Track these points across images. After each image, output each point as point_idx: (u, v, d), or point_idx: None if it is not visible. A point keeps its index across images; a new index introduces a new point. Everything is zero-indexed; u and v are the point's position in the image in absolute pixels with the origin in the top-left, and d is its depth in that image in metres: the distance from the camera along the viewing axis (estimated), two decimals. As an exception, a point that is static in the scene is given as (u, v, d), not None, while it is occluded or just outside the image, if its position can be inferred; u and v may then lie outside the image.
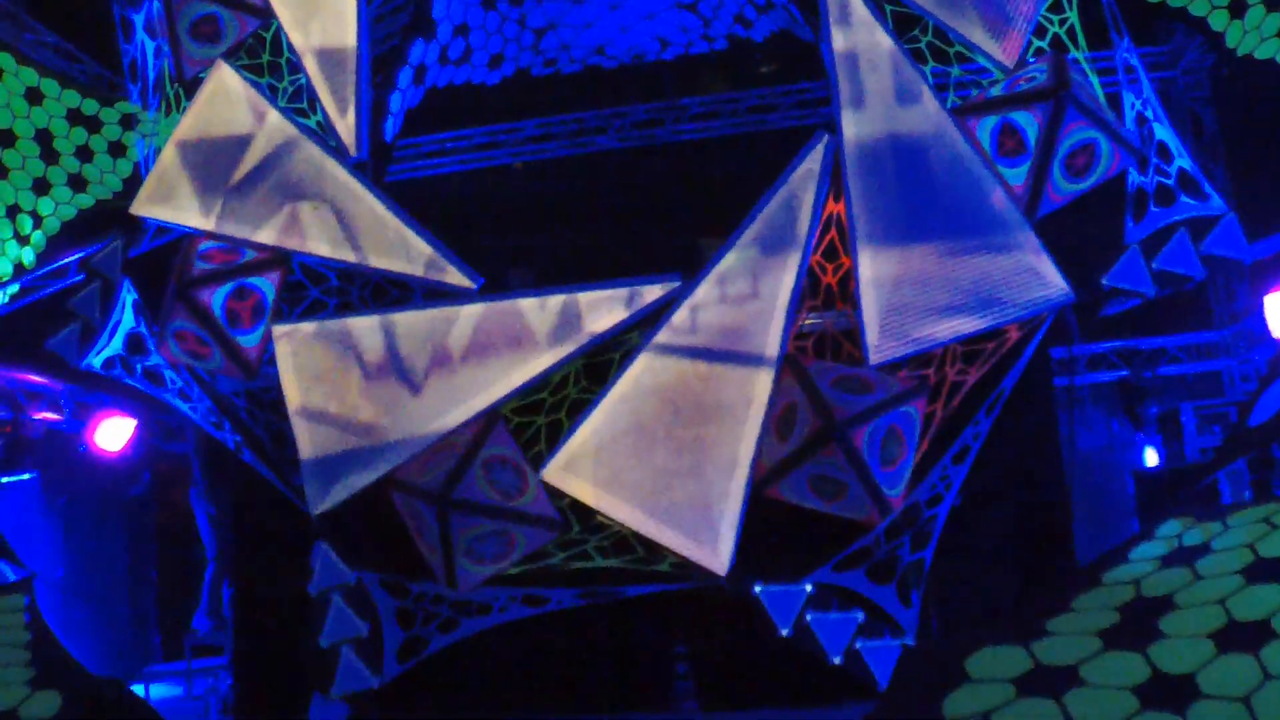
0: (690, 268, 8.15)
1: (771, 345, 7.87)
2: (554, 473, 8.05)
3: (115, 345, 9.66)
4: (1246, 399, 12.32)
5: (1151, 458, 12.63)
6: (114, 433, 13.17)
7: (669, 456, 7.90)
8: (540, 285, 9.67)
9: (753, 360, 7.88)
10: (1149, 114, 8.71)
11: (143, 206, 9.24)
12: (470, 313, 8.32)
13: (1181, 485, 10.21)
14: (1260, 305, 12.44)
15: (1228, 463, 9.44)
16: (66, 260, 12.46)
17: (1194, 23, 11.46)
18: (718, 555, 7.78)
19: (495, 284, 8.77)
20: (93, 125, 12.54)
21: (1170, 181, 8.63)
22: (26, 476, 13.32)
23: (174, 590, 14.15)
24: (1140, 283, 8.32)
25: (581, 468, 8.00)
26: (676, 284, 8.11)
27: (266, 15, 9.41)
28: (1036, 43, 8.37)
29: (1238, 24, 11.22)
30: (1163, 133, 8.73)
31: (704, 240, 9.77)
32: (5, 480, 13.11)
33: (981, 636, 7.92)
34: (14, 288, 12.57)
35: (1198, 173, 8.76)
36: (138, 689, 13.28)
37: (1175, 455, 12.39)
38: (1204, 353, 13.29)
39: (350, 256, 8.62)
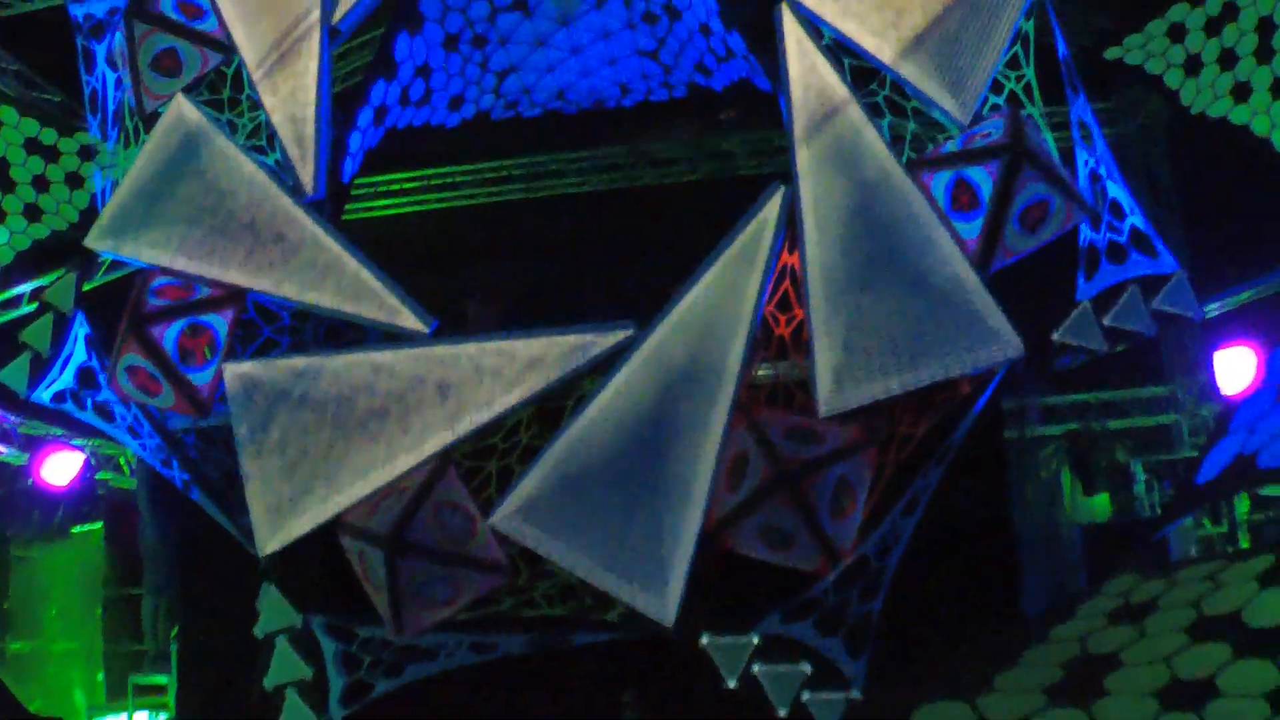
0: (645, 314, 8.17)
1: (724, 394, 7.87)
2: (503, 519, 7.99)
3: (66, 378, 9.60)
4: (1196, 453, 12.47)
5: (1100, 514, 12.69)
6: (61, 467, 13.04)
7: (619, 504, 7.87)
8: (497, 325, 9.70)
9: (705, 409, 7.87)
10: (1102, 171, 8.81)
11: (98, 240, 9.19)
12: (423, 355, 8.29)
13: (1130, 540, 10.29)
14: (1211, 360, 12.56)
15: (1176, 519, 9.55)
16: (19, 290, 12.39)
17: (1150, 80, 11.64)
18: (665, 605, 7.73)
19: (452, 324, 8.77)
20: (51, 155, 12.50)
21: (1122, 239, 8.72)
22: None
23: (119, 628, 13.98)
24: (1092, 338, 8.38)
25: (531, 514, 7.94)
26: (630, 332, 8.12)
27: (228, 51, 9.40)
28: (993, 99, 8.43)
29: (1192, 82, 11.42)
30: (1116, 190, 8.83)
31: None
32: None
33: (928, 691, 7.98)
34: (-35, 317, 12.48)
35: (1150, 230, 8.85)
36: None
37: (1124, 509, 12.46)
38: (1154, 407, 13.38)
39: (304, 296, 8.59)
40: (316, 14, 9.17)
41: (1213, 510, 11.29)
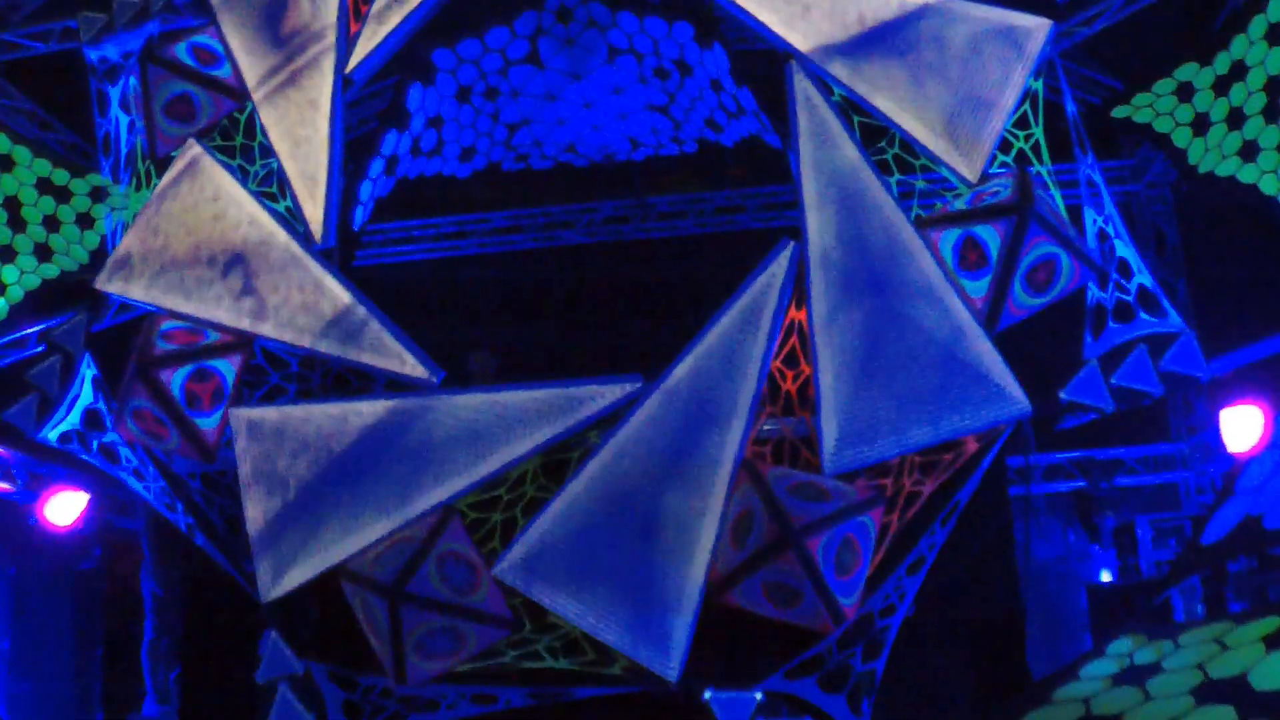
0: (652, 366, 8.19)
1: (729, 450, 7.88)
2: (507, 571, 8.00)
3: (72, 419, 9.59)
4: (1202, 512, 12.42)
5: (1105, 574, 12.64)
6: (65, 507, 13.03)
7: (623, 559, 7.86)
8: (502, 375, 9.72)
9: (710, 464, 7.89)
10: (1110, 230, 8.83)
11: (107, 282, 9.23)
12: (430, 405, 8.31)
13: (1135, 600, 10.24)
14: (1217, 419, 12.54)
15: (1181, 580, 9.50)
16: (28, 331, 12.41)
17: (1157, 139, 11.67)
18: (669, 660, 7.72)
19: (458, 373, 8.78)
20: (62, 195, 12.52)
21: (1130, 298, 8.72)
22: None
23: (120, 668, 13.92)
24: (1098, 398, 8.37)
25: (535, 567, 7.95)
26: (638, 385, 8.15)
27: (242, 98, 9.48)
28: (1001, 157, 8.46)
29: (1200, 141, 11.42)
30: (1124, 249, 8.84)
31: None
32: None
33: (931, 753, 7.94)
34: (-28, 355, 12.51)
35: (1157, 290, 8.85)
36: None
37: (1130, 568, 12.42)
38: (1161, 465, 13.37)
39: (312, 343, 8.63)
40: (330, 63, 9.27)
41: (1217, 571, 11.22)
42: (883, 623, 8.46)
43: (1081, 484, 12.93)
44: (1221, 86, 11.23)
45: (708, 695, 8.14)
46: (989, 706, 8.93)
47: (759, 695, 8.18)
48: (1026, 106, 8.49)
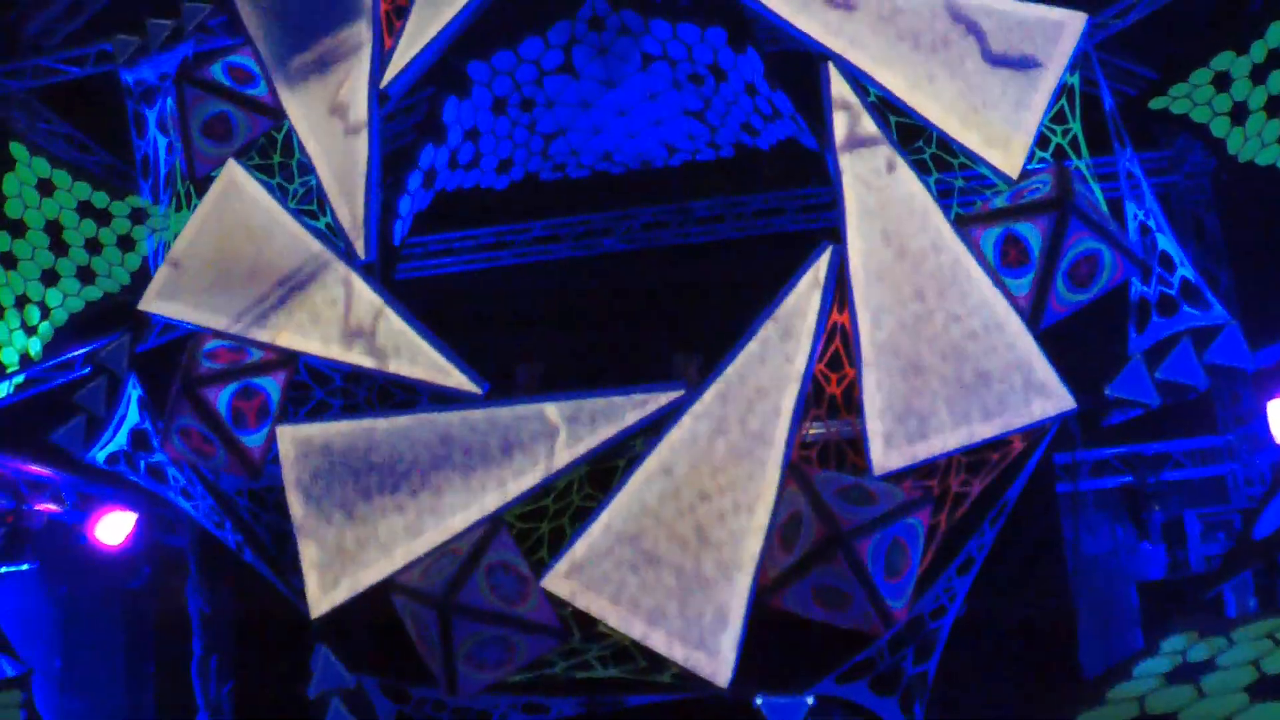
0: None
1: (776, 454, 7.88)
2: (556, 580, 8.01)
3: (119, 440, 9.66)
4: (1250, 504, 12.31)
5: (1155, 567, 12.53)
6: (115, 527, 13.12)
7: (671, 565, 7.87)
8: (547, 385, 9.73)
9: (757, 469, 7.89)
10: (1151, 224, 8.76)
11: (151, 303, 9.31)
12: (475, 418, 8.34)
13: (1186, 596, 10.16)
14: (1264, 410, 12.42)
15: (1232, 575, 9.42)
16: (74, 354, 12.52)
17: (1195, 129, 11.60)
18: (720, 666, 7.73)
19: (502, 384, 8.81)
20: (103, 218, 12.68)
21: (1173, 291, 8.65)
22: (26, 567, 13.25)
23: (170, 685, 14.00)
24: (1144, 393, 8.31)
25: (584, 576, 7.96)
26: (683, 391, 8.15)
27: (278, 116, 9.54)
28: (1039, 153, 8.42)
29: (1239, 131, 11.36)
30: (1165, 242, 8.77)
31: (678, 356, 9.83)
32: (5, 570, 13.05)
33: (986, 755, 7.90)
34: (20, 378, 12.61)
35: (1200, 282, 8.78)
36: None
37: (1179, 563, 12.32)
38: (1208, 458, 13.23)
39: (356, 359, 8.67)
40: (365, 79, 9.31)
41: (1270, 566, 11.12)
42: (934, 624, 8.43)
43: (1128, 479, 12.83)
44: (1259, 75, 11.17)
45: (759, 700, 8.14)
46: (1042, 706, 8.87)
47: (810, 700, 8.17)
48: (1063, 101, 8.44)
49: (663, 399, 8.15)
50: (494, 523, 8.21)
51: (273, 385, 8.86)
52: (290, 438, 8.64)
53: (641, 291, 13.32)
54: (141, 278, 10.78)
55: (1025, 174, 8.25)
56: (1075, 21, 8.37)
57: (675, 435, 8.06)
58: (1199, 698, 7.71)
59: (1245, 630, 8.23)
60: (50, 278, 12.56)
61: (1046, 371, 7.85)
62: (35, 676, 10.72)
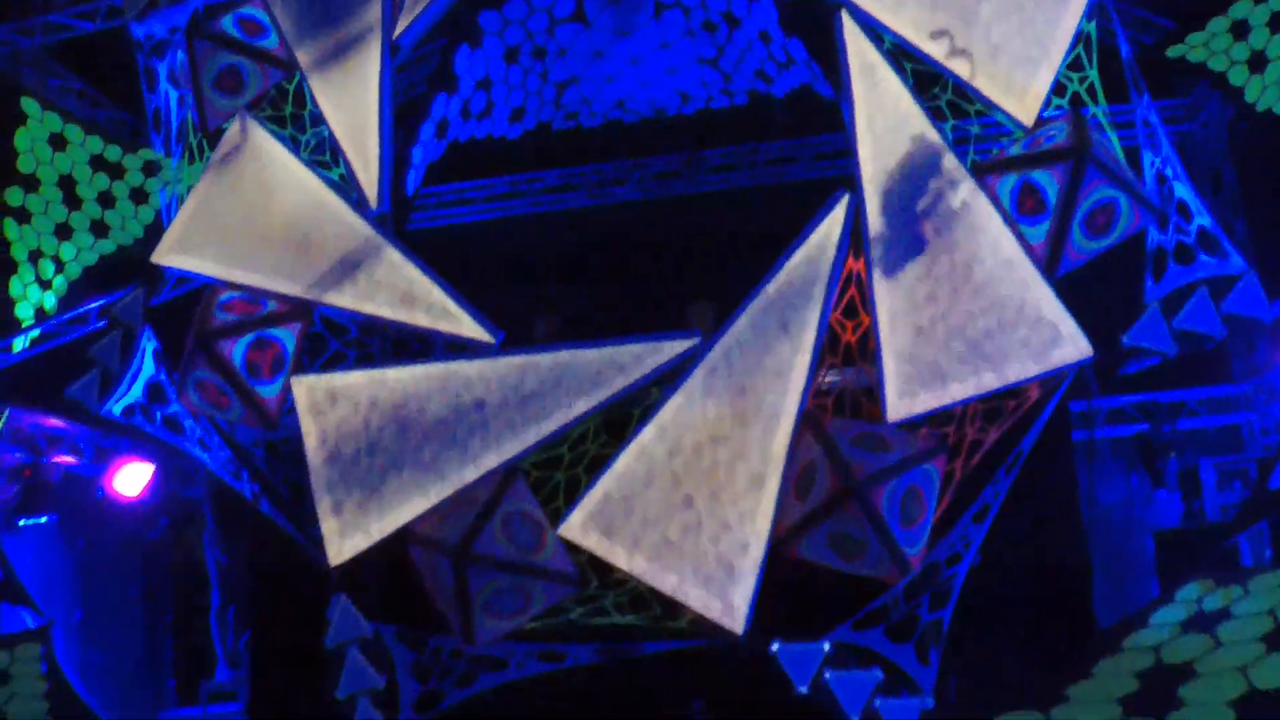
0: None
1: (791, 403, 7.87)
2: (572, 528, 8.02)
3: (135, 393, 9.69)
4: (1266, 454, 12.30)
5: (1171, 515, 12.52)
6: (132, 478, 13.19)
7: (687, 514, 7.89)
8: (563, 335, 9.73)
9: (772, 418, 7.87)
10: (1169, 172, 8.71)
11: (164, 256, 9.30)
12: (488, 367, 8.35)
13: (1201, 546, 10.16)
14: (1279, 359, 12.39)
15: (1248, 525, 9.42)
16: (88, 307, 12.55)
17: (1213, 78, 11.52)
18: (735, 613, 7.75)
19: (517, 335, 8.80)
20: (116, 172, 12.68)
21: (1190, 240, 8.61)
22: (44, 520, 13.34)
23: (189, 635, 14.12)
24: (1161, 342, 8.28)
25: (600, 524, 7.97)
26: (697, 340, 8.14)
27: (290, 68, 9.50)
28: (1056, 100, 8.36)
29: (1257, 79, 11.28)
30: (1182, 191, 8.72)
31: (692, 306, 9.82)
32: (24, 523, 13.14)
33: (1001, 702, 7.90)
34: (35, 332, 12.65)
35: (1218, 230, 8.74)
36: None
37: (1195, 512, 12.32)
38: (1223, 407, 13.18)
39: (371, 309, 8.67)
40: (377, 29, 9.26)
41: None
42: (949, 571, 8.44)
43: (1144, 427, 12.80)
44: (1277, 23, 11.08)
45: (775, 647, 8.17)
46: (1057, 654, 8.89)
47: (826, 646, 8.20)
48: (1080, 48, 8.37)
49: (678, 347, 8.13)
50: (510, 471, 8.23)
51: (288, 336, 8.86)
52: (306, 388, 8.65)
53: (655, 240, 13.28)
54: (155, 231, 10.81)
55: (1041, 121, 8.18)
56: (1091, -33, 8.29)
57: (690, 384, 8.04)
58: (1215, 647, 7.74)
59: (1261, 580, 8.26)
60: (64, 232, 12.58)
61: (1063, 319, 7.81)
62: (55, 628, 10.81)
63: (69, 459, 13.17)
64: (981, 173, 8.09)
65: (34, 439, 12.84)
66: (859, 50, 8.35)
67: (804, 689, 8.15)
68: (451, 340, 8.56)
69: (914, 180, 8.11)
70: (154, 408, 9.74)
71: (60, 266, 12.61)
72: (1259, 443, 12.87)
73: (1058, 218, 7.86)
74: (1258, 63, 11.22)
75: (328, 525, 8.46)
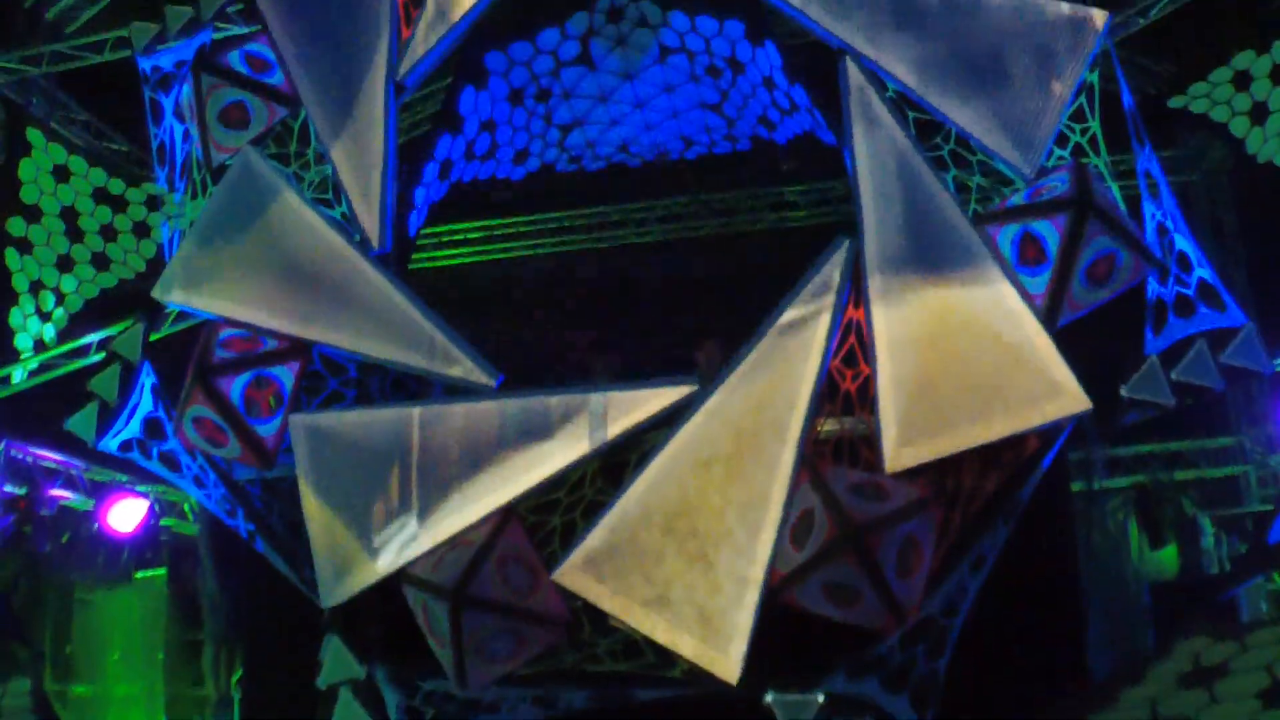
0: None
1: (789, 450, 7.83)
2: (567, 574, 7.98)
3: (133, 428, 9.66)
4: (1264, 505, 12.28)
5: (1168, 567, 12.48)
6: (127, 514, 13.15)
7: (683, 561, 7.84)
8: (563, 379, 9.71)
9: (770, 465, 7.84)
10: (1169, 224, 8.73)
11: (165, 291, 9.28)
12: (488, 409, 8.33)
13: (1198, 597, 10.13)
14: (1278, 411, 12.39)
15: (1246, 579, 9.40)
16: (87, 340, 12.55)
17: (1215, 128, 11.58)
18: (729, 661, 7.69)
19: (516, 376, 8.78)
20: (119, 205, 12.74)
21: (1190, 292, 8.62)
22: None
23: (181, 673, 14.04)
24: (1160, 394, 8.26)
25: (595, 570, 7.93)
26: (695, 387, 8.12)
27: (295, 104, 9.52)
28: (1058, 151, 8.39)
29: (1258, 131, 11.36)
30: (1183, 243, 8.74)
31: (700, 352, 9.80)
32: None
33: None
34: (34, 364, 12.66)
35: (1217, 283, 8.75)
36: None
37: (1192, 563, 12.28)
38: (1221, 458, 13.19)
39: (370, 349, 8.65)
40: (382, 68, 9.29)
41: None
42: (945, 622, 8.39)
43: (1142, 478, 12.78)
44: (1279, 75, 11.14)
45: (769, 697, 8.10)
46: (1053, 708, 8.83)
47: (820, 696, 8.13)
48: (1083, 99, 8.40)
49: (676, 393, 8.11)
50: (506, 515, 8.19)
51: (286, 375, 8.85)
52: (303, 427, 8.64)
53: (656, 283, 13.29)
54: (157, 265, 10.82)
55: (1043, 171, 8.20)
56: (1097, 19, 8.33)
57: (688, 430, 8.01)
58: (1211, 703, 7.71)
59: (1259, 635, 8.23)
60: (65, 264, 12.61)
61: (1062, 370, 7.77)
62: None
63: (65, 493, 13.13)
64: (983, 222, 8.09)
65: (30, 472, 12.79)
66: (862, 98, 8.37)
67: (798, 738, 8.09)
68: (450, 381, 8.54)
69: (915, 229, 8.11)
70: (151, 443, 9.71)
71: (61, 298, 12.64)
72: (1256, 494, 12.86)
73: (1058, 268, 7.85)
74: (1259, 114, 11.29)
75: (322, 566, 8.44)
